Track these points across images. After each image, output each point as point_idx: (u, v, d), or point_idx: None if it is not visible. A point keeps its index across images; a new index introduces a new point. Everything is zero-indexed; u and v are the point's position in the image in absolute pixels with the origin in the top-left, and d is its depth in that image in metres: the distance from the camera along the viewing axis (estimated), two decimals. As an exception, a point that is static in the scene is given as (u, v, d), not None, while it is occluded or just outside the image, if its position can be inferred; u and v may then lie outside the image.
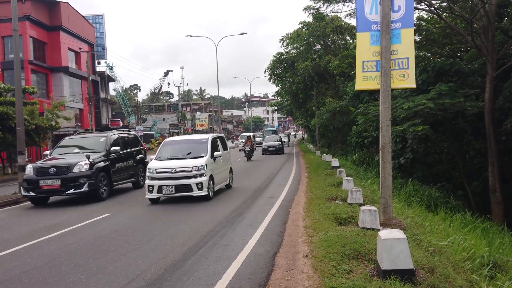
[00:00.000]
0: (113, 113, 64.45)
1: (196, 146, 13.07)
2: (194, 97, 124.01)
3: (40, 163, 13.06)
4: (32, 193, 12.60)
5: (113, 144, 14.14)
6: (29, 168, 12.74)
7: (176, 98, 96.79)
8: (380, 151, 7.78)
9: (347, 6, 22.06)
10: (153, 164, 12.37)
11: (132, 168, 15.34)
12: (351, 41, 34.57)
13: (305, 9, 27.09)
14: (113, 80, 57.85)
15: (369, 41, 7.79)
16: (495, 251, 8.19)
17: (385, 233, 5.04)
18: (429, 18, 19.88)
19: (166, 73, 66.23)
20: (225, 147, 14.70)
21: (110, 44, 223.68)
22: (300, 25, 36.44)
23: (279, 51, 42.39)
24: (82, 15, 48.45)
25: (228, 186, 14.69)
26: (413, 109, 14.67)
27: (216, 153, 12.97)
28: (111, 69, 55.87)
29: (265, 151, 36.49)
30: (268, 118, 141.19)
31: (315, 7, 25.51)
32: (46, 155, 14.40)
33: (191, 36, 55.92)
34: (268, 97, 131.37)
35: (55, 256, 7.00)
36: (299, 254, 6.43)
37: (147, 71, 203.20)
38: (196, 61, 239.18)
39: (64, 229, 9.15)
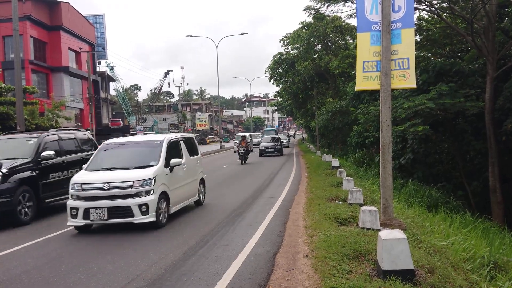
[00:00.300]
0: (114, 113, 64.49)
1: (144, 151, 9.71)
2: (195, 97, 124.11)
3: None
4: None
5: (46, 148, 10.81)
6: None
7: (176, 98, 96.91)
8: (380, 151, 7.79)
9: (348, 7, 22.09)
10: (79, 176, 8.86)
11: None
12: (351, 41, 34.57)
13: (305, 9, 27.10)
14: (113, 80, 57.89)
15: (369, 41, 7.79)
16: (495, 251, 8.19)
17: (385, 233, 5.04)
18: (430, 18, 19.88)
19: (167, 73, 66.31)
20: (193, 152, 11.34)
21: (111, 44, 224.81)
22: (301, 25, 36.49)
23: (279, 51, 42.50)
24: (82, 15, 48.48)
25: (198, 203, 11.33)
26: (413, 109, 14.66)
27: (174, 161, 9.39)
28: (111, 69, 55.92)
29: (263, 153, 33.87)
30: (268, 118, 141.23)
31: (316, 7, 25.50)
32: None
33: (191, 36, 56.22)
34: (268, 97, 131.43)
35: (55, 256, 6.99)
36: (299, 254, 6.43)
37: (147, 71, 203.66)
38: (196, 61, 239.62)
39: (65, 228, 9.13)
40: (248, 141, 30.05)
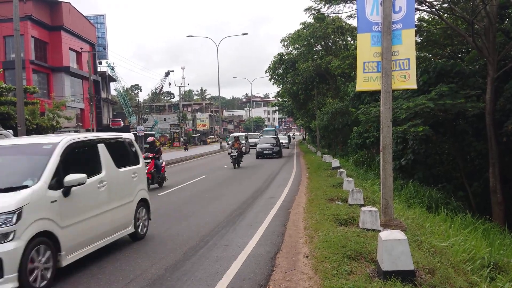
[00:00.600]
0: (114, 113, 64.52)
1: (19, 161, 6.14)
2: (195, 97, 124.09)
3: None
4: None
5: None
6: None
7: (177, 98, 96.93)
8: (381, 152, 7.79)
9: (348, 7, 22.09)
10: None
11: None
12: (352, 41, 34.56)
13: (306, 9, 27.06)
14: (114, 80, 57.92)
15: (370, 42, 7.80)
16: (496, 252, 8.18)
17: (385, 234, 5.04)
18: (430, 19, 19.86)
19: (167, 73, 66.26)
20: (125, 161, 7.65)
21: (111, 44, 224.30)
22: (301, 26, 36.45)
23: (280, 51, 42.57)
24: (83, 15, 48.51)
25: (135, 237, 7.73)
26: (413, 109, 14.66)
27: (72, 178, 5.81)
28: (112, 69, 55.94)
29: (260, 155, 31.35)
30: (268, 119, 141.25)
31: (316, 8, 25.47)
32: None
33: (192, 36, 56.36)
34: (269, 98, 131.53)
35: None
36: (300, 255, 6.44)
37: (148, 71, 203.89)
38: (197, 61, 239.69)
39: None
40: (242, 142, 27.68)
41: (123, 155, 7.74)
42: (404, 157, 18.98)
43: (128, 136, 8.34)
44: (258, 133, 62.79)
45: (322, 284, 5.00)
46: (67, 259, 5.70)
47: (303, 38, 35.73)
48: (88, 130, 42.58)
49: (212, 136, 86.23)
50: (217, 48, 49.06)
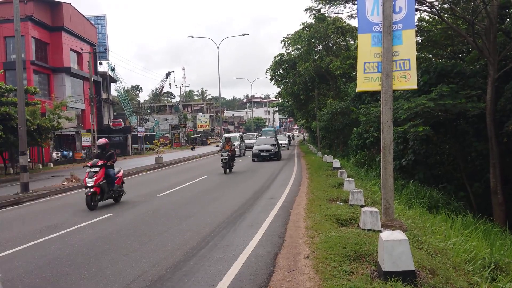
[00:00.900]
0: (115, 113, 64.54)
1: None
2: (196, 97, 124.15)
3: None
4: None
5: None
6: None
7: (177, 98, 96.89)
8: (381, 153, 7.79)
9: (349, 8, 22.08)
10: None
11: None
12: (352, 42, 34.57)
13: (306, 9, 27.03)
14: (114, 81, 57.97)
15: (370, 42, 7.80)
16: (497, 252, 8.18)
17: (386, 235, 5.04)
18: (431, 20, 19.87)
19: (168, 74, 66.36)
20: None
21: (112, 45, 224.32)
22: (302, 26, 36.50)
23: (280, 52, 42.46)
24: (84, 16, 48.54)
25: None
26: (414, 110, 14.67)
27: None
28: (113, 69, 56.01)
29: (256, 157, 28.97)
30: (269, 119, 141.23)
31: (317, 8, 25.49)
32: None
33: (192, 37, 56.27)
34: (269, 98, 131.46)
35: (57, 256, 7.01)
36: (300, 255, 6.44)
37: (148, 71, 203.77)
38: (197, 61, 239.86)
39: (66, 229, 9.16)
40: (234, 144, 24.07)
41: None
42: (405, 157, 18.97)
43: None
44: (255, 134, 59.39)
45: (322, 285, 5.00)
46: None
47: (303, 39, 35.75)
48: (89, 131, 42.60)
49: (212, 137, 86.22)
50: (218, 48, 49.18)
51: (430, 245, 6.79)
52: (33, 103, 28.71)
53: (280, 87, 46.22)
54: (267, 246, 7.09)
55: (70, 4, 43.81)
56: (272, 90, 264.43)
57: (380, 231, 6.88)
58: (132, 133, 55.62)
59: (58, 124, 30.34)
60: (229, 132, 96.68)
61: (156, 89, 70.99)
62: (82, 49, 45.42)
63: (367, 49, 7.82)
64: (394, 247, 4.86)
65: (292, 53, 40.31)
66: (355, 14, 20.36)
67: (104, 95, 53.64)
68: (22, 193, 15.47)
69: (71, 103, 39.85)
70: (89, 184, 11.70)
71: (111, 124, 53.08)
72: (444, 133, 18.08)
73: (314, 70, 36.15)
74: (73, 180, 18.37)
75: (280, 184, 15.89)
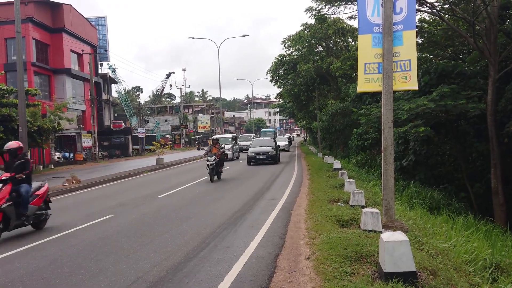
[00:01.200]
0: (116, 114, 64.61)
1: None
2: (196, 98, 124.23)
3: None
4: None
5: None
6: None
7: (178, 99, 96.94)
8: (382, 153, 7.78)
9: (349, 8, 22.05)
10: None
11: None
12: (353, 43, 34.56)
13: (307, 10, 27.11)
14: (115, 82, 58.04)
15: (371, 43, 7.79)
16: (498, 253, 8.17)
17: (387, 235, 5.03)
18: (431, 20, 19.86)
19: (168, 75, 66.42)
20: None
21: (113, 46, 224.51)
22: (302, 27, 36.52)
23: (281, 53, 42.31)
24: (84, 17, 48.60)
25: None
26: (415, 110, 14.66)
27: None
28: (113, 71, 56.07)
29: (252, 160, 26.41)
30: (270, 120, 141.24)
31: (317, 9, 25.52)
32: None
33: (193, 38, 56.32)
34: (270, 99, 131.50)
35: (57, 258, 7.01)
36: (301, 256, 6.43)
37: (149, 72, 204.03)
38: (198, 62, 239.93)
39: (67, 230, 9.16)
40: (223, 146, 20.91)
41: None
42: (406, 158, 18.96)
43: None
44: (252, 135, 56.20)
45: (323, 286, 4.99)
46: None
47: (304, 40, 35.76)
48: (89, 132, 42.63)
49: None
50: (218, 49, 49.19)
51: (431, 246, 6.78)
52: (34, 104, 28.76)
53: (280, 88, 46.23)
54: (267, 247, 7.08)
55: (71, 5, 43.87)
56: (273, 91, 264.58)
57: (381, 232, 6.87)
58: (133, 134, 55.66)
59: (58, 125, 30.37)
60: (230, 133, 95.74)
61: (157, 90, 71.09)
62: (82, 50, 45.48)
63: (367, 50, 7.81)
64: (395, 248, 4.85)
65: (293, 54, 40.32)
66: (355, 15, 20.37)
67: (104, 96, 53.69)
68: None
69: (72, 104, 39.90)
70: None
71: (111, 125, 53.13)
72: (445, 134, 18.07)
73: (315, 71, 36.15)
74: (74, 182, 18.39)
75: (280, 185, 15.88)
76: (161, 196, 14.08)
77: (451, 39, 18.98)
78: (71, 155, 41.11)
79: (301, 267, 5.91)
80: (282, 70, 41.70)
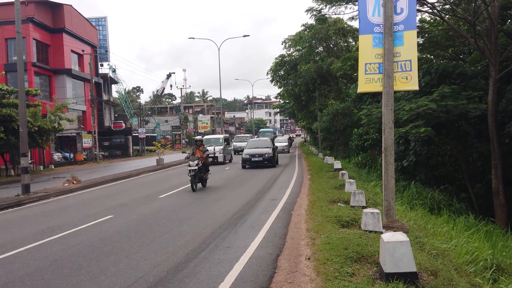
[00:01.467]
0: (116, 115, 64.61)
1: None
2: (197, 99, 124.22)
3: None
4: None
5: None
6: None
7: (178, 100, 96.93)
8: (383, 154, 7.77)
9: (350, 8, 22.04)
10: None
11: None
12: (353, 43, 34.56)
13: (307, 10, 27.12)
14: (115, 82, 58.06)
15: (371, 43, 7.78)
16: (498, 254, 8.17)
17: (388, 236, 5.02)
18: (432, 21, 19.87)
19: (169, 75, 66.42)
20: None
21: (113, 47, 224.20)
22: (303, 28, 36.52)
23: (281, 53, 42.34)
24: (85, 18, 48.63)
25: None
26: (415, 111, 14.66)
27: None
28: (113, 71, 56.09)
29: (246, 163, 24.31)
30: (270, 120, 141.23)
31: (318, 9, 25.54)
32: None
33: (193, 38, 56.33)
34: (270, 99, 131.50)
35: (58, 258, 7.00)
36: (302, 257, 6.42)
37: (149, 73, 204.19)
38: (198, 63, 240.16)
39: (67, 231, 9.16)
40: (208, 149, 17.01)
41: None
42: (406, 158, 18.96)
43: None
44: (248, 135, 53.64)
45: (324, 286, 4.98)
46: None
47: (304, 40, 35.77)
48: (90, 132, 42.64)
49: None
50: (219, 50, 49.26)
51: (431, 246, 6.77)
52: (34, 104, 28.77)
53: (281, 88, 46.21)
54: (268, 247, 7.07)
55: (71, 5, 43.89)
56: (273, 91, 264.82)
57: (381, 233, 6.86)
58: (133, 134, 55.67)
59: (59, 126, 30.38)
60: (230, 133, 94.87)
61: (157, 91, 71.10)
62: (83, 50, 45.50)
63: (368, 50, 7.81)
64: (396, 248, 4.85)
65: (293, 54, 40.33)
66: (356, 15, 20.37)
67: (105, 97, 53.71)
68: (23, 194, 15.48)
69: (72, 104, 39.92)
70: None
71: (112, 125, 53.15)
72: (445, 134, 18.06)
73: (315, 71, 36.15)
74: (74, 182, 18.39)
75: (281, 185, 15.87)
76: (162, 196, 14.07)
77: (452, 39, 18.98)
78: (72, 155, 41.13)
79: (301, 268, 5.90)
80: (282, 71, 41.70)
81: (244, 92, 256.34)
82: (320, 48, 38.25)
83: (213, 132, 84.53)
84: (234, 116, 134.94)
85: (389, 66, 7.48)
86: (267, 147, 25.02)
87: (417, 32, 12.84)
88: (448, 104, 14.31)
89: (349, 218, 8.32)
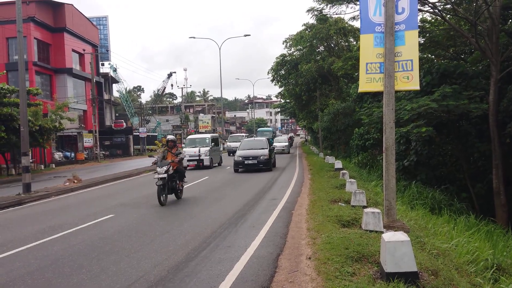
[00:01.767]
0: (117, 114, 64.68)
1: None
2: (197, 98, 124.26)
3: None
4: None
5: None
6: None
7: (179, 99, 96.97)
8: (383, 153, 7.77)
9: (351, 8, 22.09)
10: None
11: None
12: (354, 42, 34.55)
13: (308, 10, 27.10)
14: (116, 82, 58.10)
15: (372, 43, 7.78)
16: (499, 254, 8.16)
17: (388, 236, 5.02)
18: (433, 20, 19.85)
19: (170, 75, 66.42)
20: None
21: (114, 46, 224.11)
22: (304, 27, 36.50)
23: (282, 52, 42.28)
24: (86, 17, 48.68)
25: None
26: (417, 110, 14.65)
27: None
28: (114, 70, 56.13)
29: (239, 166, 21.65)
30: (271, 120, 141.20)
31: (319, 9, 25.53)
32: None
33: (194, 38, 56.39)
34: (271, 99, 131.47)
35: (59, 257, 7.01)
36: (302, 256, 6.42)
37: (150, 72, 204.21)
38: (199, 62, 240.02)
39: (68, 230, 9.17)
40: (181, 152, 13.73)
41: None
42: (407, 158, 18.96)
43: None
44: (244, 135, 49.55)
45: (325, 286, 4.98)
46: None
47: (305, 39, 35.76)
48: (90, 132, 42.68)
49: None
50: (219, 49, 49.25)
51: (432, 246, 6.77)
52: (35, 104, 28.80)
53: (282, 88, 46.20)
54: (269, 247, 7.07)
55: (72, 5, 43.96)
56: (274, 91, 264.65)
57: (382, 232, 6.86)
58: (134, 134, 55.70)
59: (60, 125, 30.41)
60: (231, 132, 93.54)
61: (158, 90, 71.15)
62: (84, 50, 45.53)
63: (369, 50, 7.80)
64: (397, 248, 4.85)
65: (294, 54, 40.33)
66: (357, 15, 20.37)
67: (106, 96, 53.75)
68: (24, 193, 15.49)
69: (73, 104, 39.95)
70: None
71: (113, 125, 53.20)
72: (446, 134, 18.06)
73: (316, 71, 36.15)
74: (75, 181, 18.40)
75: (282, 185, 15.87)
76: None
77: (453, 39, 18.97)
78: (73, 154, 41.17)
79: (302, 267, 5.90)
80: (283, 70, 41.71)
81: (245, 92, 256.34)
82: (321, 48, 38.24)
83: (214, 131, 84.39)
84: (235, 115, 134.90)
85: (390, 66, 7.48)
86: (263, 148, 22.39)
87: (418, 32, 12.83)
88: (449, 104, 14.30)
89: (350, 218, 8.32)
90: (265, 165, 21.43)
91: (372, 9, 7.77)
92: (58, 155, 37.96)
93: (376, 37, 7.75)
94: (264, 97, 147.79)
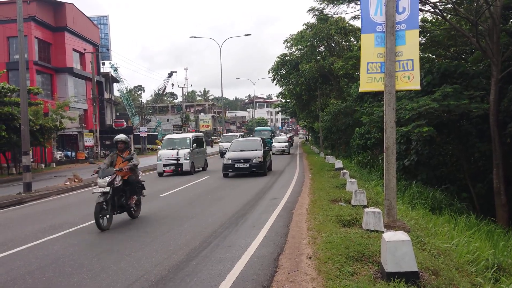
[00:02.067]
0: (117, 113, 64.70)
1: None
2: (198, 98, 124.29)
3: None
4: None
5: None
6: None
7: (180, 99, 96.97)
8: (384, 153, 7.76)
9: (352, 8, 22.11)
10: None
11: None
12: (355, 42, 34.54)
13: (309, 10, 27.05)
14: (117, 81, 58.10)
15: (373, 43, 7.77)
16: (500, 253, 8.16)
17: (389, 235, 5.02)
18: (434, 20, 19.84)
19: (170, 74, 66.43)
20: None
21: (115, 45, 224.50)
22: (304, 27, 36.50)
23: (283, 52, 42.34)
24: (87, 16, 48.69)
25: None
26: (417, 110, 14.64)
27: None
28: (115, 70, 56.15)
29: (229, 169, 19.28)
30: (271, 120, 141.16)
31: (319, 8, 25.50)
32: None
33: (195, 37, 56.29)
34: (271, 99, 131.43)
35: (59, 256, 7.02)
36: (303, 256, 6.42)
37: (151, 72, 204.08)
38: (200, 62, 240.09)
39: (69, 229, 9.17)
40: (133, 156, 9.87)
41: None
42: (408, 158, 18.95)
43: None
44: (238, 134, 45.87)
45: (325, 285, 4.98)
46: None
47: (306, 39, 35.76)
48: (91, 131, 42.70)
49: (214, 137, 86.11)
50: (220, 49, 49.29)
51: (433, 246, 6.77)
52: (36, 103, 28.84)
53: (282, 87, 46.18)
54: (269, 246, 7.07)
55: (73, 4, 43.98)
56: (275, 91, 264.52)
57: (382, 232, 6.86)
58: (135, 133, 55.71)
59: (60, 124, 30.44)
60: (231, 132, 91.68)
61: (159, 90, 71.11)
62: (85, 49, 45.55)
63: (370, 49, 7.80)
64: (397, 247, 4.84)
65: (295, 53, 40.32)
66: (358, 15, 20.35)
67: (106, 95, 53.77)
68: (24, 193, 15.51)
69: (74, 103, 39.97)
70: None
71: (113, 124, 53.21)
72: (447, 134, 18.05)
73: (317, 71, 36.14)
74: (76, 180, 18.41)
75: (282, 184, 15.87)
76: (163, 195, 14.08)
77: (454, 39, 18.95)
78: (73, 154, 41.20)
79: (302, 267, 5.90)
80: (284, 70, 41.70)
81: (246, 91, 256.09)
82: (322, 47, 38.23)
83: (215, 131, 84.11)
84: (235, 115, 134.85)
85: (391, 65, 7.47)
86: (256, 150, 19.83)
87: (419, 32, 12.82)
88: (450, 104, 14.29)
89: (350, 217, 8.32)
90: (259, 168, 18.88)
91: (373, 8, 7.77)
92: (58, 155, 37.99)
93: (377, 36, 7.74)
94: (265, 97, 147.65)
